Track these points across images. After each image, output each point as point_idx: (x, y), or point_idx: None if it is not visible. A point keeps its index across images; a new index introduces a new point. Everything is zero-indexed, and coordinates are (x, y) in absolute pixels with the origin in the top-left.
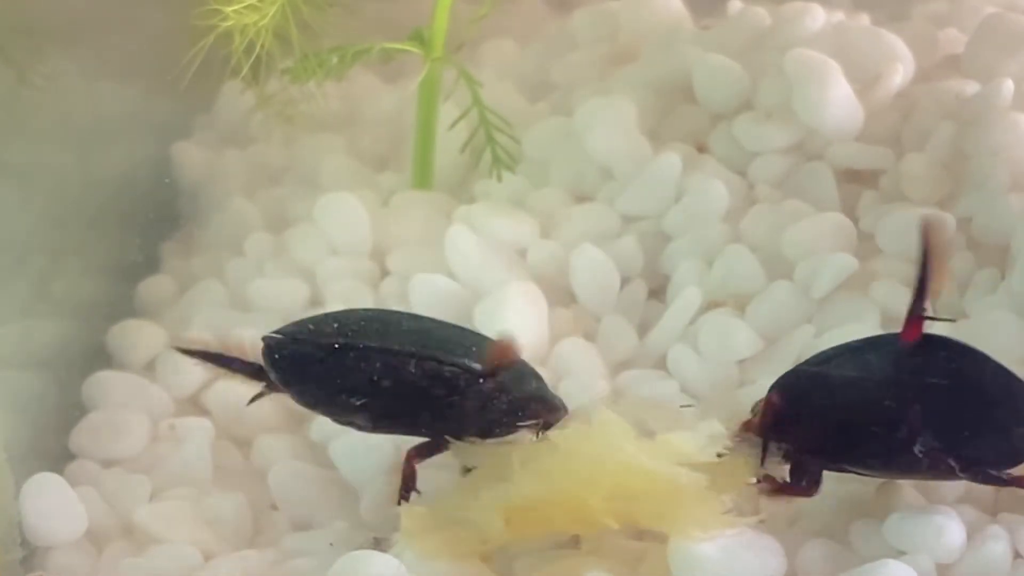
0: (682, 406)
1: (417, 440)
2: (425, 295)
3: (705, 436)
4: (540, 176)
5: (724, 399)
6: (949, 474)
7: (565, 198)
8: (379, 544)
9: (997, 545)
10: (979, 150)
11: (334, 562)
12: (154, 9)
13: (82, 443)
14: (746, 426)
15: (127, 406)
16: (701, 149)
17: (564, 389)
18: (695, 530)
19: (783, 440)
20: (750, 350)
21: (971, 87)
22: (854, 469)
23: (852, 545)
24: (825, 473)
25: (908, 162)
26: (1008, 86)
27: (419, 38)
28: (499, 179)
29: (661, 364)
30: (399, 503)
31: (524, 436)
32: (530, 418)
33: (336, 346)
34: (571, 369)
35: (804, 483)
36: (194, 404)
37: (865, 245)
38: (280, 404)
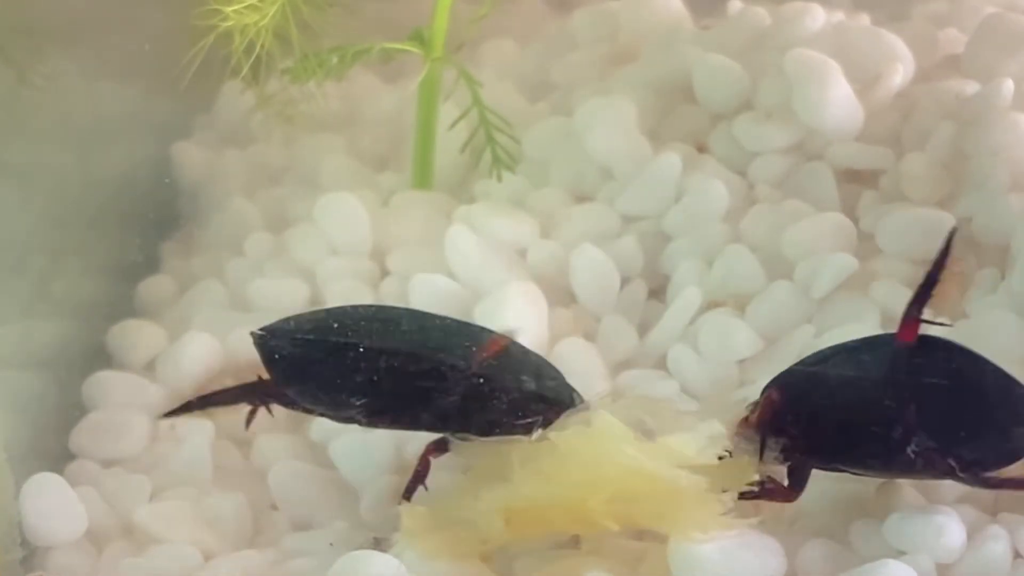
0: (681, 405)
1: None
2: (425, 295)
3: (705, 437)
4: (540, 176)
5: (724, 399)
6: (943, 474)
7: (565, 198)
8: (379, 544)
9: (997, 545)
10: (979, 150)
11: (334, 562)
12: (154, 9)
13: (82, 443)
14: (744, 423)
15: (127, 406)
16: (701, 149)
17: None
18: (695, 531)
19: (780, 436)
20: (750, 350)
21: (971, 87)
22: (849, 468)
23: (852, 545)
24: (825, 473)
25: (908, 162)
26: (1008, 86)
27: (419, 38)
28: (499, 179)
29: (661, 364)
30: (405, 498)
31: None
32: (530, 416)
33: (336, 344)
34: (571, 369)
35: (787, 485)
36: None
37: (865, 245)
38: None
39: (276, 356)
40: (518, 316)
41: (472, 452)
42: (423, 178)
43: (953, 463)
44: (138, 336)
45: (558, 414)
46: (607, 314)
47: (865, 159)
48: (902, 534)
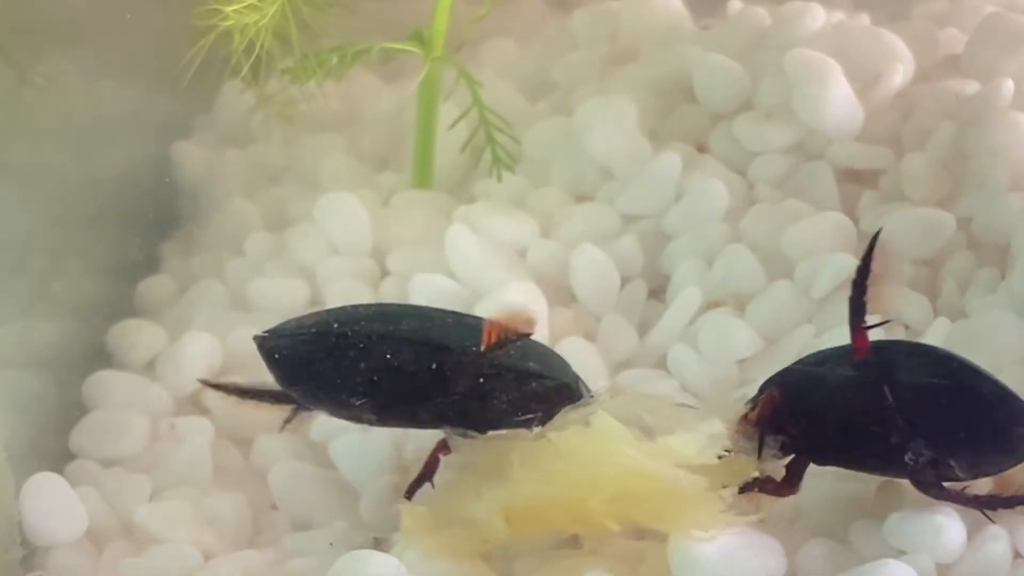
0: (680, 404)
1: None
2: (425, 295)
3: (705, 436)
4: (540, 176)
5: (724, 399)
6: (941, 475)
7: (565, 198)
8: (379, 544)
9: (997, 545)
10: (979, 150)
11: (334, 562)
12: (154, 9)
13: (82, 443)
14: (743, 421)
15: (127, 406)
16: (701, 149)
17: None
18: (695, 530)
19: (779, 434)
20: (750, 350)
21: (971, 87)
22: (848, 466)
23: (852, 545)
24: (825, 473)
25: (908, 162)
26: (1008, 86)
27: (419, 38)
28: (499, 179)
29: (661, 364)
30: (406, 497)
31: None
32: (539, 407)
33: (337, 343)
34: None
35: (783, 481)
36: (194, 404)
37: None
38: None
39: (278, 357)
40: None
41: (473, 451)
42: (423, 178)
43: (952, 463)
44: (138, 336)
45: (567, 404)
46: (607, 314)
47: (865, 159)
48: (902, 534)
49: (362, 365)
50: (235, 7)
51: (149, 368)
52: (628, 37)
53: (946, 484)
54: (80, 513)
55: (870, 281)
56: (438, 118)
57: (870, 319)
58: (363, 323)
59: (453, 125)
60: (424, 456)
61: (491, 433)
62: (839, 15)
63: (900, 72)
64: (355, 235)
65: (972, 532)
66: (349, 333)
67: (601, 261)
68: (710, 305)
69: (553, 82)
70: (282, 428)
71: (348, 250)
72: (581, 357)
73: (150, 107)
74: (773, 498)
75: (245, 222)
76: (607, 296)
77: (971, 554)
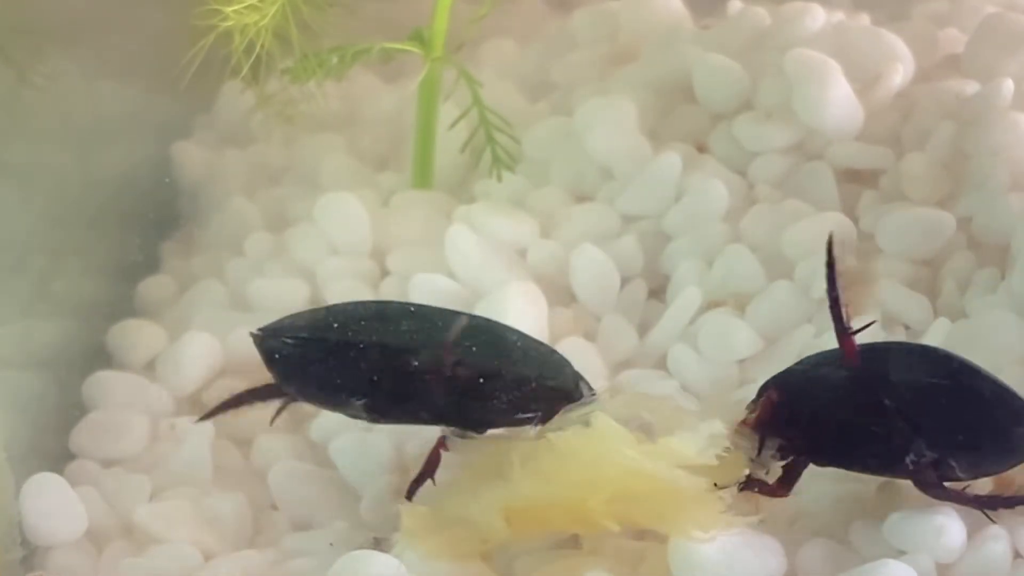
0: (681, 402)
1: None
2: (425, 295)
3: (705, 437)
4: (540, 176)
5: (724, 399)
6: (940, 476)
7: (565, 198)
8: (379, 544)
9: (997, 545)
10: (979, 150)
11: (334, 562)
12: (154, 9)
13: (82, 443)
14: (743, 424)
15: (127, 406)
16: (701, 149)
17: None
18: (695, 530)
19: (778, 436)
20: (750, 350)
21: (971, 87)
22: (847, 467)
23: (852, 545)
24: (825, 473)
25: (908, 162)
26: (1008, 86)
27: (419, 38)
28: (499, 179)
29: (661, 364)
30: (407, 497)
31: (527, 429)
32: (539, 406)
33: (336, 342)
34: None
35: (778, 481)
36: (194, 404)
37: (865, 245)
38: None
39: (276, 355)
40: (518, 316)
41: (472, 451)
42: (423, 178)
43: (953, 463)
44: (138, 336)
45: (567, 403)
46: (607, 314)
47: (865, 159)
48: (902, 534)
49: (361, 365)
50: (235, 7)
51: (149, 368)
52: (628, 37)
53: (947, 484)
54: (80, 513)
55: (841, 286)
56: (438, 118)
57: (856, 323)
58: (363, 322)
59: (453, 125)
60: (425, 455)
61: (491, 433)
62: (839, 15)
63: (900, 72)
64: (355, 235)
65: (972, 532)
66: (348, 332)
67: (601, 261)
68: (710, 305)
69: (553, 82)
70: (272, 421)
71: (348, 250)
72: (581, 357)
73: (150, 107)
74: (773, 498)
75: (245, 222)
76: (607, 296)
77: (971, 554)
